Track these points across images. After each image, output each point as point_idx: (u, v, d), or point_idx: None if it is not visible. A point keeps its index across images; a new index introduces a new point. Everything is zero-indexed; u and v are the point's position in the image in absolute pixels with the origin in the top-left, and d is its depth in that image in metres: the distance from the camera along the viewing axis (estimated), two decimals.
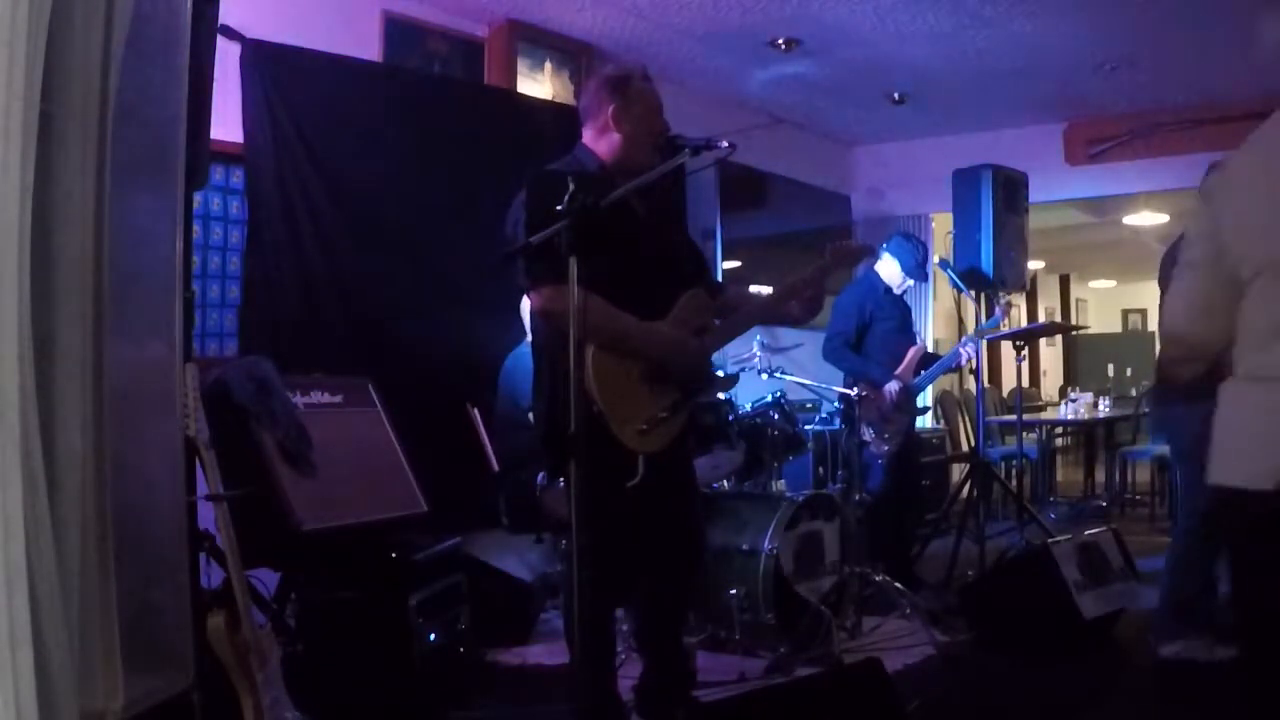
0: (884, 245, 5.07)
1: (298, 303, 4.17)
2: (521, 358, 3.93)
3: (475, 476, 4.19)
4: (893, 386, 4.78)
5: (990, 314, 5.31)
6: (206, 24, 2.64)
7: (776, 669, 3.60)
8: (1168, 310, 2.05)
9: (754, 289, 6.85)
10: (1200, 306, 1.92)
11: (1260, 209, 1.81)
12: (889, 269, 5.02)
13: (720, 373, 4.02)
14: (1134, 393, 10.14)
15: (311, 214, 4.23)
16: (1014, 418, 6.02)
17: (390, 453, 3.59)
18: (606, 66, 3.13)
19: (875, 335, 4.94)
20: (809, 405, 5.77)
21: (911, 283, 5.13)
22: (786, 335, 4.82)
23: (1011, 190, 5.61)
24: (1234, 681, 2.47)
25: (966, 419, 7.58)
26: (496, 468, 4.19)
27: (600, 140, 2.86)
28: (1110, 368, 13.77)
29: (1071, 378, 13.40)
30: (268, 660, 2.55)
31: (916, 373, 4.95)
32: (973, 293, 5.39)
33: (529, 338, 3.75)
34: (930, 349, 6.00)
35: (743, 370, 4.49)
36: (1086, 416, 7.60)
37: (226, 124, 3.58)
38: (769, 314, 3.21)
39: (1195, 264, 1.93)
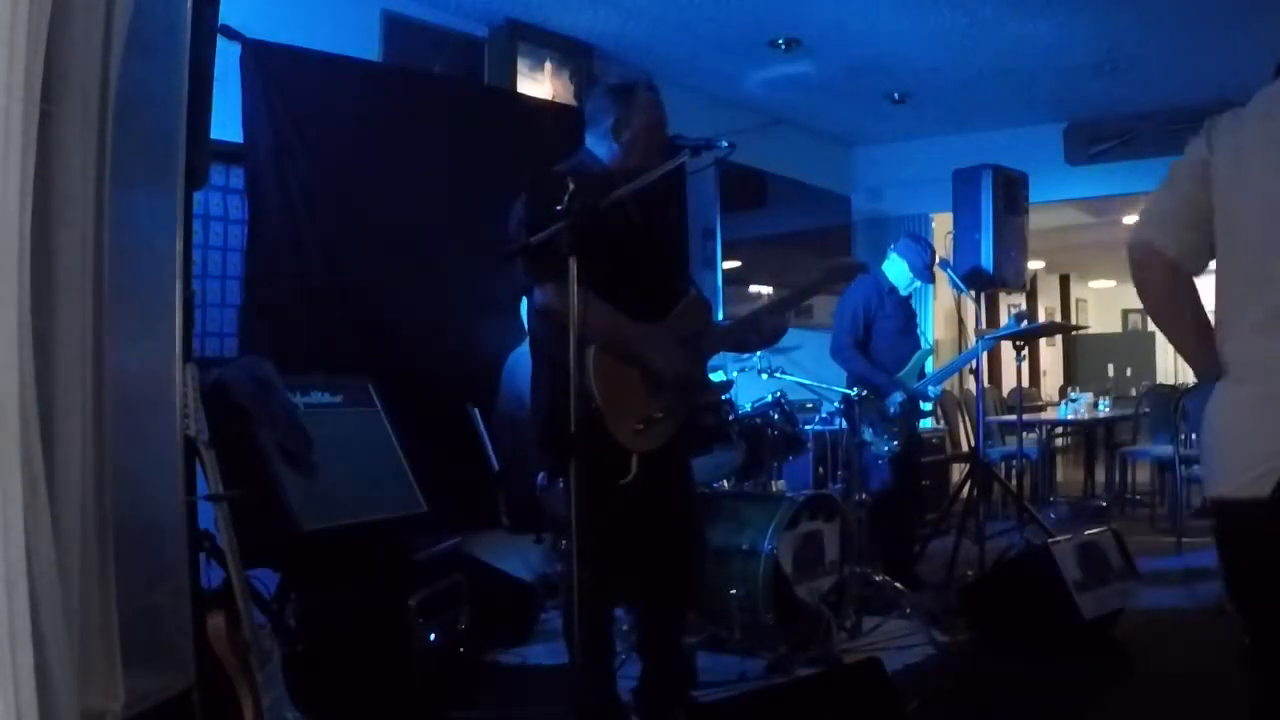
0: (892, 246, 5.07)
1: (298, 303, 4.16)
2: (523, 357, 3.92)
3: (475, 476, 4.18)
4: (896, 398, 4.78)
5: (993, 318, 5.32)
6: (206, 24, 2.64)
7: (776, 669, 3.60)
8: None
9: (754, 289, 6.89)
10: None
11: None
12: (896, 269, 5.01)
13: (719, 374, 4.02)
14: (1134, 393, 10.13)
15: (311, 214, 4.22)
16: (1014, 418, 6.01)
17: (390, 453, 3.59)
18: (611, 73, 3.14)
19: (877, 335, 4.93)
20: (809, 405, 5.77)
21: (918, 284, 5.12)
22: (786, 335, 4.82)
23: (1011, 190, 5.61)
24: (1234, 682, 2.47)
25: (966, 419, 7.58)
26: (496, 468, 4.19)
27: (600, 146, 2.87)
28: (1110, 368, 13.74)
29: (1071, 378, 13.38)
30: (268, 660, 2.54)
31: (919, 376, 4.95)
32: (973, 293, 5.39)
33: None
34: (931, 350, 6.00)
35: (743, 370, 4.49)
36: (1086, 416, 7.60)
37: (226, 124, 3.58)
38: (739, 337, 3.21)
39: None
